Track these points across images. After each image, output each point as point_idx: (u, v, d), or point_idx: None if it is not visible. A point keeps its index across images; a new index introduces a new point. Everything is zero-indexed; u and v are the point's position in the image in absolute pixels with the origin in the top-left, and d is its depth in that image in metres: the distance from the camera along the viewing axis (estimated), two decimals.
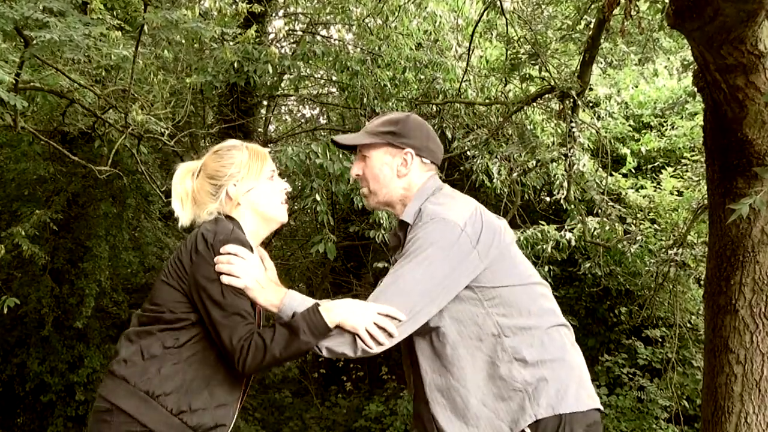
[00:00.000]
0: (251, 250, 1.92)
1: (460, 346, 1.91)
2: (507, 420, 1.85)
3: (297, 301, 1.86)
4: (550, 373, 1.87)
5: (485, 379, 1.88)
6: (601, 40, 6.31)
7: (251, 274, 1.84)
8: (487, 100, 7.44)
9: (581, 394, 1.90)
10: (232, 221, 1.96)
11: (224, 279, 1.83)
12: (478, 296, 1.91)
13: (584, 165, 6.72)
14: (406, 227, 2.00)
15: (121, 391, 1.82)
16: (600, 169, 7.22)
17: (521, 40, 6.99)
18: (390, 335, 1.82)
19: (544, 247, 6.62)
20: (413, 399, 2.05)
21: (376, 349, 1.83)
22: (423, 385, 1.96)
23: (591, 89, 8.00)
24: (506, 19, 6.75)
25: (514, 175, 6.89)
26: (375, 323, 1.80)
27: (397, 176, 2.05)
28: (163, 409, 1.79)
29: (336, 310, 1.82)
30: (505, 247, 1.97)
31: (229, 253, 1.84)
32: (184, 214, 2.02)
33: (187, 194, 2.02)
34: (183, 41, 6.20)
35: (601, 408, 1.96)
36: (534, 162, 6.77)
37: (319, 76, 9.43)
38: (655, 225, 7.38)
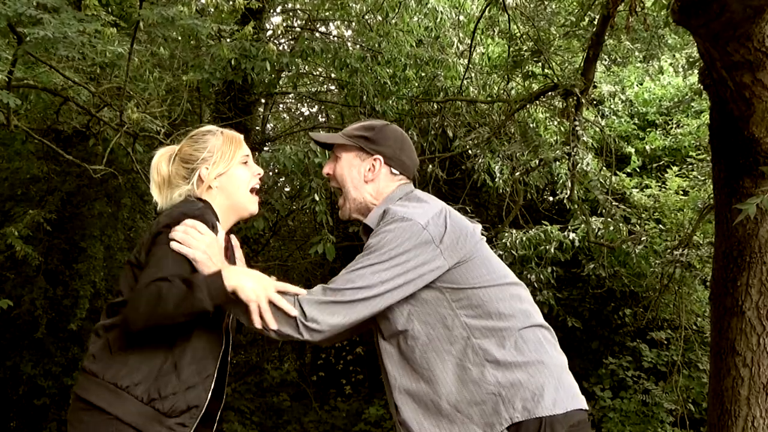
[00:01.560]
0: (216, 231, 1.94)
1: (430, 349, 1.91)
2: (481, 423, 1.84)
3: None
4: (525, 375, 1.86)
5: (457, 382, 1.88)
6: (606, 37, 6.31)
7: (203, 248, 1.86)
8: (488, 98, 7.44)
9: (560, 396, 1.87)
10: (204, 202, 2.01)
11: (173, 245, 1.84)
12: (446, 297, 1.92)
13: (588, 164, 6.72)
14: (370, 232, 2.02)
15: (92, 386, 1.85)
16: (604, 168, 7.22)
17: (524, 36, 6.99)
18: (288, 315, 1.82)
19: (547, 247, 6.62)
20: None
21: (307, 336, 1.83)
22: (392, 390, 1.96)
23: (595, 87, 8.00)
24: (508, 15, 6.75)
25: (517, 174, 6.89)
26: (272, 300, 1.81)
27: (364, 180, 2.09)
28: (134, 399, 1.82)
29: (236, 276, 1.82)
30: (473, 246, 1.97)
31: (187, 225, 1.87)
32: (161, 199, 2.08)
33: (164, 180, 2.08)
34: (179, 38, 6.20)
35: (585, 407, 1.94)
36: (537, 161, 6.77)
37: (318, 73, 9.44)
38: (660, 225, 7.39)
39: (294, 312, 1.83)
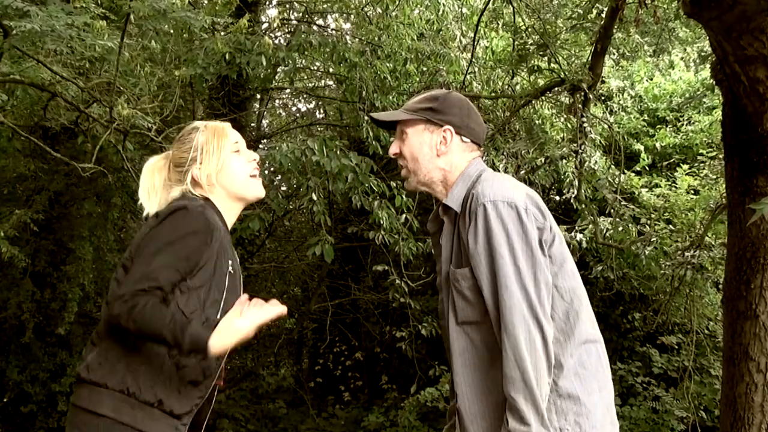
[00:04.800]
0: (226, 226, 2.01)
1: (496, 347, 1.87)
2: None
3: None
4: (582, 389, 1.87)
5: None
6: (614, 30, 6.31)
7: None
8: (493, 94, 7.44)
9: (606, 419, 1.89)
10: (205, 200, 2.04)
11: None
12: None
13: (596, 162, 6.73)
14: (451, 213, 2.00)
15: (99, 397, 1.84)
16: (612, 166, 7.22)
17: (529, 29, 6.99)
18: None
19: None
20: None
21: None
22: (454, 377, 1.94)
23: (603, 82, 8.00)
24: (513, 7, 6.76)
25: (522, 172, 6.90)
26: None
27: (436, 155, 2.05)
28: (143, 404, 1.83)
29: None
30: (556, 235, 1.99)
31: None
32: (150, 204, 2.08)
33: (154, 186, 2.10)
34: (171, 31, 6.19)
35: None
36: (543, 159, 6.78)
37: (316, 68, 9.43)
38: (671, 226, 7.38)
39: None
